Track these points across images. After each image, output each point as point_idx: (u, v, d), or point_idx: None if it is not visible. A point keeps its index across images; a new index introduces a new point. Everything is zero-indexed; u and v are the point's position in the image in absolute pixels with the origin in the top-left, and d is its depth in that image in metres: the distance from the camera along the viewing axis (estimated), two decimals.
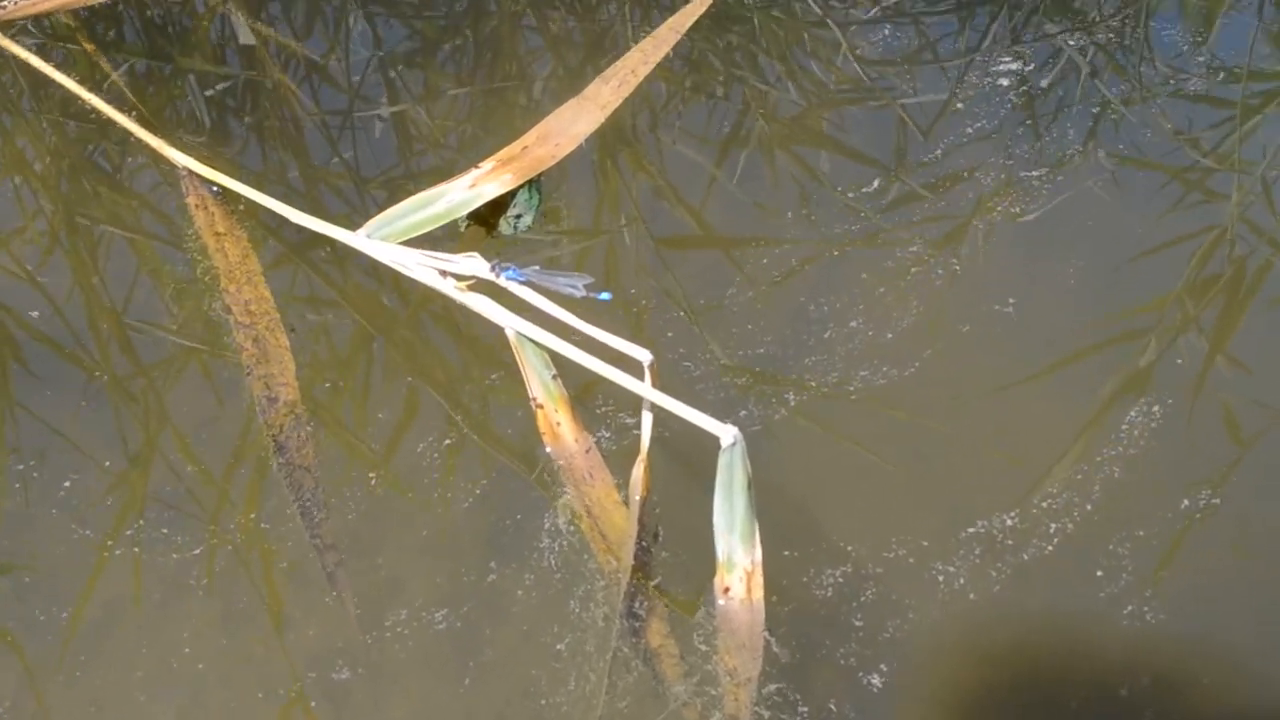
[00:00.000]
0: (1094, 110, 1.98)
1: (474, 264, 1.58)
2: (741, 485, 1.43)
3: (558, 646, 1.47)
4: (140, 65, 2.10)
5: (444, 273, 1.61)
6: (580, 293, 1.57)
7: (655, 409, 1.52)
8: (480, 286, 1.63)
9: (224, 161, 1.90)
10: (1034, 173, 1.89)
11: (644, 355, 1.49)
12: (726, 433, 1.41)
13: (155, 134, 1.89)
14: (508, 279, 1.58)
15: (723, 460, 1.44)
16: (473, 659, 1.47)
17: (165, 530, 1.57)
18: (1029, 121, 1.96)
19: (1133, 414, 1.63)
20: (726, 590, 1.47)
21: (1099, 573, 1.51)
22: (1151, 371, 1.68)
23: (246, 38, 2.09)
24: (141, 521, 1.58)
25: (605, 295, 1.60)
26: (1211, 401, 1.65)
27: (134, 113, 1.96)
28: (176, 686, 1.46)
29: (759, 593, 1.46)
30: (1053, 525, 1.54)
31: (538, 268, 1.59)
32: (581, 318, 1.57)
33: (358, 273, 1.80)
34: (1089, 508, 1.55)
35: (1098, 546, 1.53)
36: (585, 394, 1.64)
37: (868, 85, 2.03)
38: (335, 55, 2.10)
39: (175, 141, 1.89)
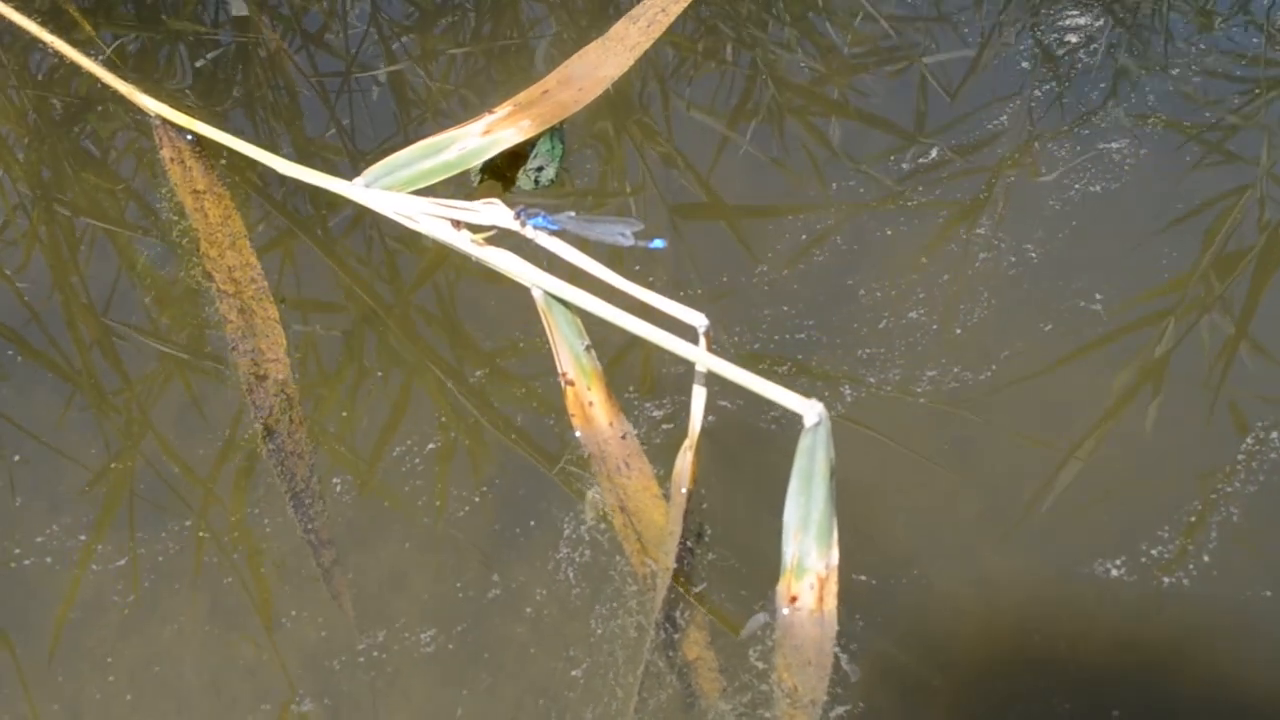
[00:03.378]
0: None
1: (494, 212, 1.28)
2: (823, 474, 1.14)
3: (581, 660, 1.20)
4: (124, 29, 1.78)
5: (457, 224, 1.30)
6: (629, 241, 1.28)
7: (710, 387, 1.23)
8: (502, 243, 1.33)
9: (207, 115, 1.58)
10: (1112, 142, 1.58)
11: (699, 320, 1.19)
12: (811, 410, 1.11)
13: (125, 80, 1.57)
14: (535, 228, 1.27)
15: (804, 443, 1.14)
16: (483, 672, 1.20)
17: (140, 528, 1.31)
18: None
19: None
20: (793, 599, 1.19)
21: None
22: None
23: (239, 9, 1.77)
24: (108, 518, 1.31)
25: (659, 243, 1.31)
26: None
27: (101, 57, 1.64)
28: (160, 694, 1.21)
29: (832, 603, 1.18)
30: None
31: (572, 214, 1.29)
32: (618, 275, 1.27)
33: (358, 236, 1.52)
34: (1206, 558, 1.24)
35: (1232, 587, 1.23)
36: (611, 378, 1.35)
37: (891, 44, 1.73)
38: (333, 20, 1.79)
39: (148, 88, 1.57)
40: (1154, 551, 1.24)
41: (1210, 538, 1.24)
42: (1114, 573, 1.23)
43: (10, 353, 1.44)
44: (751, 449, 1.30)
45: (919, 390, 1.34)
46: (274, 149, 1.49)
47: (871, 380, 1.35)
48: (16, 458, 1.35)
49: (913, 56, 1.68)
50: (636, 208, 1.52)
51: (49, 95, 1.69)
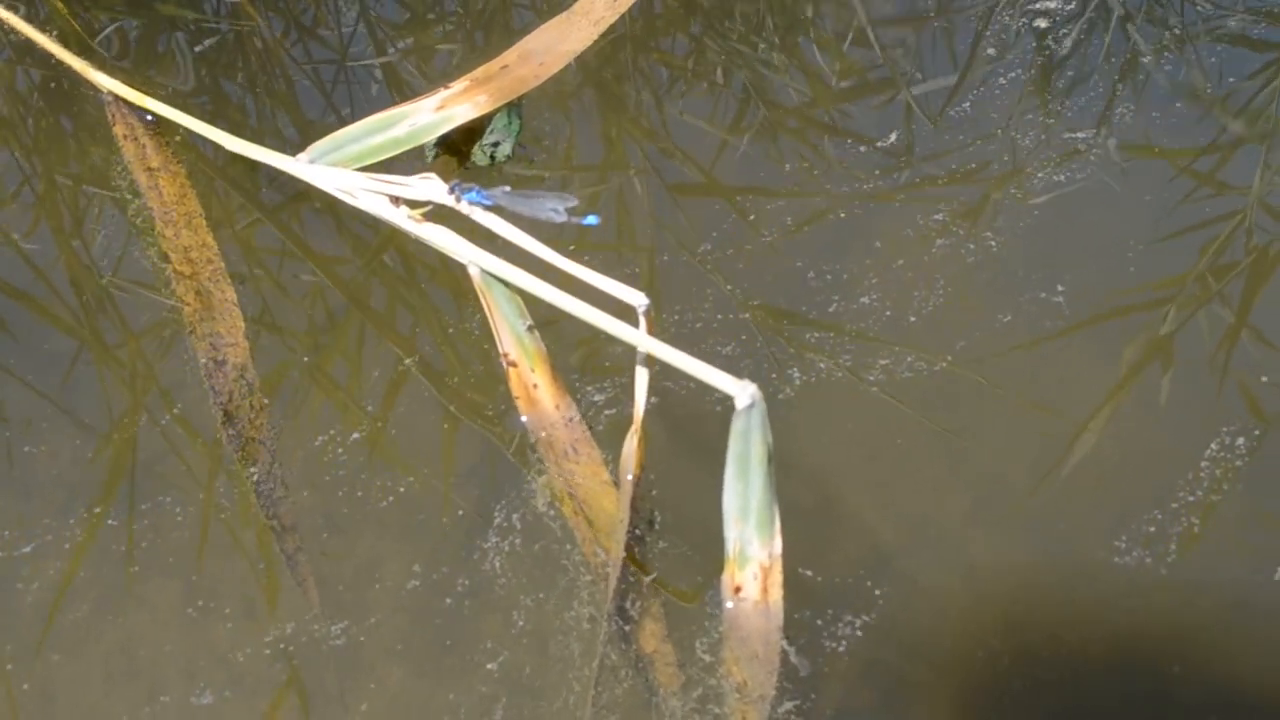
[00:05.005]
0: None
1: (430, 187, 1.23)
2: (760, 459, 1.09)
3: (533, 653, 1.17)
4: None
5: (395, 199, 1.26)
6: (561, 217, 1.23)
7: (652, 368, 1.18)
8: (449, 220, 1.29)
9: (171, 95, 1.55)
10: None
11: (639, 299, 1.15)
12: (743, 391, 1.06)
13: (80, 55, 1.53)
14: (470, 203, 1.23)
15: (737, 426, 1.09)
16: (432, 665, 1.17)
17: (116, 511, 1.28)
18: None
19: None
20: (737, 590, 1.14)
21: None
22: None
23: None
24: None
25: (592, 219, 1.27)
26: None
27: (54, 32, 1.60)
28: (130, 679, 1.18)
29: (777, 593, 1.13)
30: None
31: (507, 189, 1.24)
32: (561, 254, 1.23)
33: (318, 215, 1.48)
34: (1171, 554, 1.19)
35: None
36: (564, 359, 1.31)
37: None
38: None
39: (100, 64, 1.54)
40: (1139, 541, 1.19)
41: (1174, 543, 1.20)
42: (1094, 560, 1.19)
43: None
44: (705, 432, 1.24)
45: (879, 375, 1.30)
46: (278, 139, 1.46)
47: (829, 364, 1.31)
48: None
49: (896, 77, 1.62)
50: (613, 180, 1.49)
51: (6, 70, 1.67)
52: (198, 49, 1.67)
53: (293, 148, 1.42)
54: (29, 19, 1.60)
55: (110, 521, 1.26)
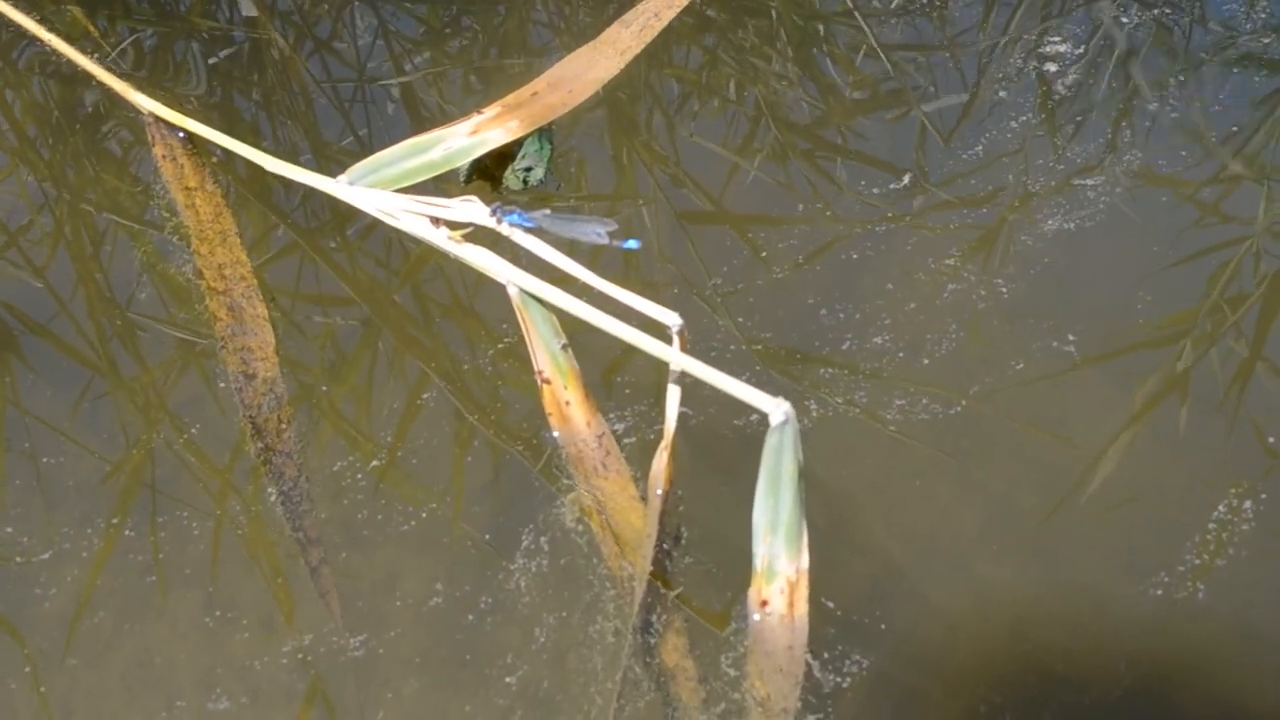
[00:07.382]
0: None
1: (471, 209, 1.27)
2: (791, 475, 1.12)
3: (557, 664, 1.19)
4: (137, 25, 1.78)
5: (436, 221, 1.29)
6: (603, 239, 1.27)
7: (682, 387, 1.21)
8: (483, 241, 1.32)
9: (207, 115, 1.58)
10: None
11: (673, 319, 1.18)
12: (776, 408, 1.09)
13: (120, 77, 1.57)
14: (511, 225, 1.26)
15: (770, 442, 1.12)
16: (456, 675, 1.19)
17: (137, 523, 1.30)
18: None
19: None
20: (764, 604, 1.16)
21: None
22: None
23: (249, 9, 1.77)
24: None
25: (633, 243, 1.30)
26: None
27: (96, 54, 1.64)
28: (150, 690, 1.20)
29: (803, 608, 1.16)
30: None
31: (548, 212, 1.28)
32: (599, 276, 1.26)
33: (352, 236, 1.51)
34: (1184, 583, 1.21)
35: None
36: (595, 380, 1.34)
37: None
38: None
39: (140, 84, 1.57)
40: (1152, 577, 1.22)
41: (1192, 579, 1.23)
42: (1109, 593, 1.21)
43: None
44: (733, 451, 1.28)
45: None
46: (291, 157, 1.49)
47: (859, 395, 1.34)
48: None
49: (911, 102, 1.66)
50: (621, 209, 1.52)
51: (49, 92, 1.70)
52: (212, 61, 1.71)
53: (311, 157, 1.46)
54: (50, 29, 1.65)
55: (128, 533, 1.29)
